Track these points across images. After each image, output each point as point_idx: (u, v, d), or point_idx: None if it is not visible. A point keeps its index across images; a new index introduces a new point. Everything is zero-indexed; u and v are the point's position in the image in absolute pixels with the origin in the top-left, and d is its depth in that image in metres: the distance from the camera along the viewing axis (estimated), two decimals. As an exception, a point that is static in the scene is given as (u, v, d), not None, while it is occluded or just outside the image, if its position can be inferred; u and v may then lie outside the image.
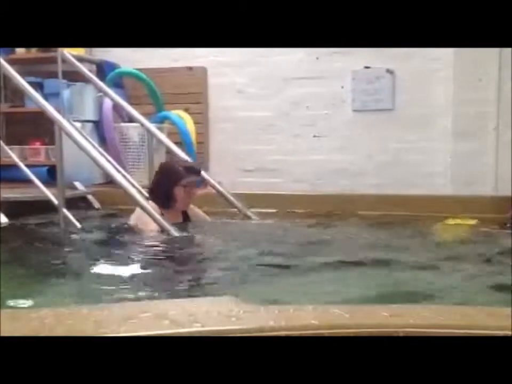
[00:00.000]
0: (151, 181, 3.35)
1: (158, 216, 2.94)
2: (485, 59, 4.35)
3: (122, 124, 4.76)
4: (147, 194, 3.64)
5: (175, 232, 2.88)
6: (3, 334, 1.02)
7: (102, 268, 2.36)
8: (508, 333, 1.06)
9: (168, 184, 3.12)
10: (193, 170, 3.23)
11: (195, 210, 3.33)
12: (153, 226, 2.95)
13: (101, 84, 4.29)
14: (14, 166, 3.91)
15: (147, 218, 2.97)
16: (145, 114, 4.24)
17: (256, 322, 1.17)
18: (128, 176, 3.92)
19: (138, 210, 3.07)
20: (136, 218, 3.07)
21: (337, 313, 1.21)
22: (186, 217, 3.27)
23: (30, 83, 3.74)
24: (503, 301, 1.77)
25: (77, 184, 4.27)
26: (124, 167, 4.28)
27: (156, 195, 3.18)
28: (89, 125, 4.71)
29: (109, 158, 4.05)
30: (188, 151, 4.34)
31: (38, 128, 4.67)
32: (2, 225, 3.33)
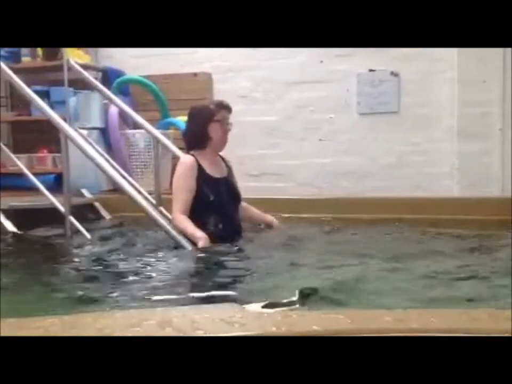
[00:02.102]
0: (185, 128, 3.28)
1: (165, 224, 2.95)
2: (489, 60, 4.34)
3: (128, 131, 4.78)
4: (154, 201, 3.66)
5: (185, 243, 2.84)
6: (8, 343, 1.03)
7: (106, 276, 2.37)
8: (509, 335, 1.06)
9: (201, 124, 3.06)
10: (225, 106, 3.14)
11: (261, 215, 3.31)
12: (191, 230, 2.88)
13: (106, 91, 4.32)
14: (22, 174, 3.93)
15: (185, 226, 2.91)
16: (151, 121, 4.25)
17: (258, 328, 1.17)
18: (134, 182, 3.93)
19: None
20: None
21: (340, 319, 1.21)
22: (227, 166, 3.22)
23: (36, 92, 3.77)
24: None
25: (84, 191, 4.30)
26: (130, 174, 4.30)
27: (191, 139, 3.12)
28: (96, 132, 4.73)
29: (115, 164, 4.07)
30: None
31: (45, 136, 4.70)
32: (10, 234, 3.34)
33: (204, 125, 3.05)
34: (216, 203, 2.98)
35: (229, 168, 3.24)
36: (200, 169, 3.02)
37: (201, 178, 3.01)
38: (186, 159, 3.05)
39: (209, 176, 3.04)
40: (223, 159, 3.24)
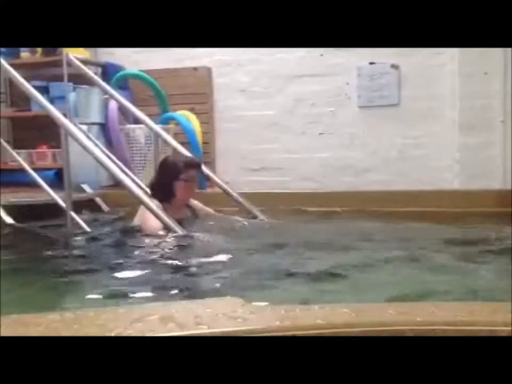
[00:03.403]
0: (152, 179, 3.35)
1: (164, 217, 2.95)
2: (490, 52, 4.32)
3: (128, 126, 4.78)
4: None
5: (180, 231, 2.88)
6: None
7: (107, 271, 2.37)
8: (509, 328, 1.06)
9: (167, 179, 3.13)
10: (193, 165, 3.21)
11: (198, 205, 3.34)
12: (156, 225, 2.94)
13: (106, 86, 4.31)
14: (22, 170, 3.93)
15: (150, 219, 2.97)
16: (151, 116, 4.25)
17: (262, 323, 1.17)
18: (134, 177, 3.93)
19: (141, 210, 3.08)
20: (139, 218, 3.08)
21: (344, 313, 1.20)
22: (192, 210, 3.27)
23: (36, 87, 3.76)
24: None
25: (85, 186, 4.29)
26: (130, 169, 4.29)
27: (156, 190, 3.19)
28: (95, 127, 4.73)
29: (116, 160, 4.06)
30: (194, 151, 4.35)
31: (45, 132, 4.69)
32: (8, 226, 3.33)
33: (169, 182, 3.13)
34: None
35: (193, 211, 3.27)
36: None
37: None
38: None
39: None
40: (190, 207, 3.28)
